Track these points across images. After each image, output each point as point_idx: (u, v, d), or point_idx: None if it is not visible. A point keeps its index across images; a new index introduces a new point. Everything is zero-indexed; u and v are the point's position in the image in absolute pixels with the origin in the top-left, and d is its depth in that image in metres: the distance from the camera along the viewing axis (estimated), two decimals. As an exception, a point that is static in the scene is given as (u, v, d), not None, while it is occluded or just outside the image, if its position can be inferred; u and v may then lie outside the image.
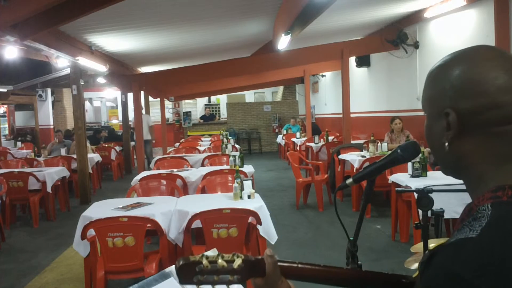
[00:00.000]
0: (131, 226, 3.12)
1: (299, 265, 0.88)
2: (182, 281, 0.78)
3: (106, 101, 19.69)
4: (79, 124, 7.76)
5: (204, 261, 0.77)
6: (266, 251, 0.86)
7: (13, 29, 4.92)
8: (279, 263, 0.86)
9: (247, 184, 3.84)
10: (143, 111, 10.85)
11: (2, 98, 14.06)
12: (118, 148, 11.01)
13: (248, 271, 0.81)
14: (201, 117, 18.12)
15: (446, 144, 0.71)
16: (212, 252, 1.05)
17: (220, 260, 0.78)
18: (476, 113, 0.68)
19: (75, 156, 7.92)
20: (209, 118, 17.78)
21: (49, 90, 15.27)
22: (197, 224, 3.29)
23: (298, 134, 11.90)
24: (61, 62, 8.35)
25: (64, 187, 7.07)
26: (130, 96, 10.97)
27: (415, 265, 2.13)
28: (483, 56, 0.70)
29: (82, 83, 8.10)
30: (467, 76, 0.69)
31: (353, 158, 6.38)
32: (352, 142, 8.41)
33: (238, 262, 0.79)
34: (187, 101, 19.00)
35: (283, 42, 7.58)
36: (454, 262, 0.60)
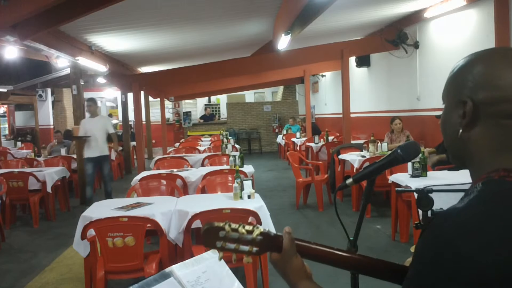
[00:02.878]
0: (131, 226, 3.12)
1: (314, 246, 0.93)
2: (206, 245, 0.84)
3: (106, 101, 19.68)
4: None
5: (227, 227, 0.83)
6: (285, 228, 0.93)
7: (13, 29, 4.92)
8: (296, 241, 0.92)
9: (247, 184, 3.84)
10: (102, 112, 7.89)
11: (2, 98, 14.07)
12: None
13: (266, 245, 0.86)
14: (201, 117, 18.13)
15: (460, 131, 0.77)
16: (212, 253, 1.05)
17: (241, 228, 0.84)
18: (490, 104, 0.74)
19: (75, 156, 7.92)
20: (209, 118, 17.79)
21: (49, 90, 15.29)
22: (197, 224, 3.29)
23: (298, 134, 11.91)
24: (61, 62, 8.36)
25: (64, 187, 7.07)
26: (130, 96, 10.98)
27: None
28: (503, 55, 0.78)
29: (82, 83, 8.11)
30: (486, 71, 0.76)
31: (353, 158, 6.38)
32: (352, 142, 8.41)
33: (257, 232, 0.85)
34: (187, 101, 19.01)
35: (283, 42, 7.58)
36: (440, 225, 0.67)
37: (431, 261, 0.65)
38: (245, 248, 0.83)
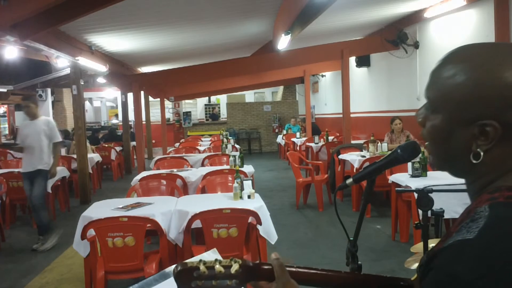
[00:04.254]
0: (131, 226, 3.12)
1: (296, 269, 0.88)
2: (180, 287, 0.78)
3: (106, 101, 19.70)
4: (79, 124, 7.76)
5: (202, 267, 0.77)
6: (272, 254, 0.87)
7: (13, 29, 4.92)
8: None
9: (247, 184, 3.84)
10: (42, 115, 5.10)
11: (2, 98, 14.06)
12: (118, 148, 11.01)
13: (246, 276, 0.82)
14: (210, 116, 18.48)
15: (482, 154, 0.68)
16: (212, 253, 1.04)
17: (217, 266, 0.78)
18: None
19: (75, 156, 7.92)
20: (216, 117, 18.25)
21: (49, 90, 15.27)
22: (197, 224, 3.29)
23: (298, 134, 11.91)
24: (61, 62, 8.35)
25: (64, 187, 7.06)
26: (130, 96, 10.98)
27: (415, 265, 2.13)
28: None
29: (82, 83, 8.10)
30: None
31: (353, 158, 6.38)
32: (352, 142, 8.41)
33: (235, 267, 0.80)
34: (187, 101, 19.03)
35: (283, 42, 7.58)
36: (454, 264, 0.60)
37: None
38: (224, 283, 0.79)
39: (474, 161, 0.69)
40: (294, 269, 0.88)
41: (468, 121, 0.68)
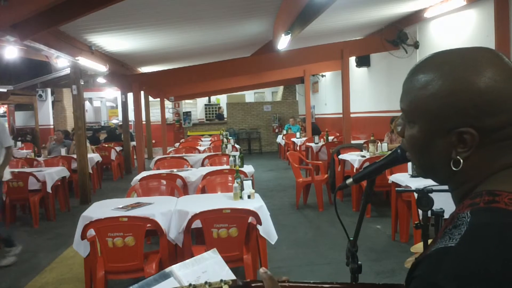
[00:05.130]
0: (131, 226, 3.12)
1: (288, 284, 0.88)
2: None
3: (106, 101, 19.70)
4: (79, 124, 7.76)
5: None
6: (260, 270, 0.86)
7: (13, 29, 4.92)
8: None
9: (247, 184, 3.84)
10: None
11: (2, 98, 14.07)
12: (118, 148, 11.01)
13: None
14: (216, 116, 18.59)
15: (461, 161, 0.68)
16: (212, 253, 1.04)
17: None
18: (497, 129, 0.66)
19: (75, 156, 7.92)
20: (223, 117, 18.35)
21: (49, 90, 15.29)
22: (197, 224, 3.29)
23: (298, 134, 11.91)
24: (61, 62, 8.35)
25: (64, 187, 7.06)
26: (130, 96, 10.98)
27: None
28: (494, 62, 0.67)
29: (82, 83, 8.10)
30: (494, 91, 0.65)
31: (353, 158, 6.38)
32: (352, 142, 8.41)
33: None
34: (187, 101, 19.04)
35: (283, 42, 7.58)
36: (435, 274, 0.60)
37: None
38: None
39: (455, 169, 0.69)
40: (286, 284, 0.87)
41: (445, 130, 0.68)
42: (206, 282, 0.80)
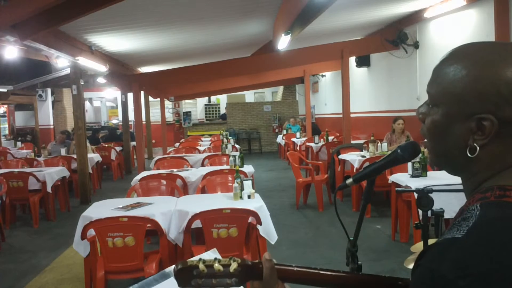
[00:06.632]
0: (131, 226, 3.12)
1: (296, 269, 0.89)
2: (180, 285, 0.79)
3: (106, 101, 19.69)
4: (79, 124, 7.76)
5: (201, 265, 0.79)
6: (265, 254, 0.88)
7: (13, 29, 4.92)
8: (276, 267, 0.87)
9: (247, 184, 3.84)
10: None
11: (2, 98, 14.07)
12: (118, 148, 11.01)
13: (245, 275, 0.83)
14: (221, 116, 18.60)
15: (478, 148, 0.69)
16: (212, 253, 1.05)
17: (216, 264, 0.80)
18: None
19: (75, 156, 7.92)
20: (227, 117, 18.39)
21: (49, 90, 15.28)
22: (197, 224, 3.29)
23: (298, 134, 11.91)
24: (61, 62, 8.35)
25: (64, 187, 7.06)
26: (130, 96, 10.98)
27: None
28: None
29: (82, 83, 8.10)
30: None
31: (353, 158, 6.38)
32: (352, 142, 8.41)
33: (234, 266, 0.81)
34: (187, 101, 19.04)
35: (283, 42, 7.58)
36: (439, 262, 0.61)
37: None
38: (223, 281, 0.81)
39: (470, 155, 0.70)
40: (294, 269, 0.89)
41: (466, 115, 0.69)
42: (215, 258, 0.81)
